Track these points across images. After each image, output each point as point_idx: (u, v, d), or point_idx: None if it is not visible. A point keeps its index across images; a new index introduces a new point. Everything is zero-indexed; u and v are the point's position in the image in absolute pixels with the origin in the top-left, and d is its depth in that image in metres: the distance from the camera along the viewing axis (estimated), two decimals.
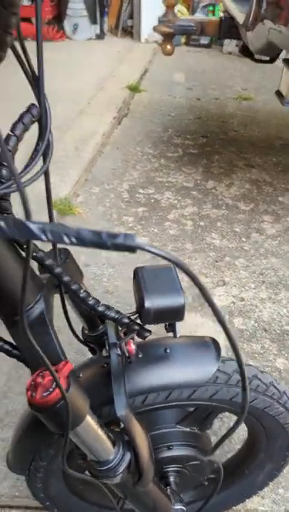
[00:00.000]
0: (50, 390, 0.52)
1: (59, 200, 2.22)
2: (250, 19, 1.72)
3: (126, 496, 0.73)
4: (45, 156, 0.53)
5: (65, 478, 0.87)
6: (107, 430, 0.63)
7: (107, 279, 1.78)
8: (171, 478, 0.85)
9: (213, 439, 0.92)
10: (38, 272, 0.64)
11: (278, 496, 1.15)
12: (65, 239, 0.31)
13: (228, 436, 0.63)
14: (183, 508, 0.83)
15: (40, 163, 0.52)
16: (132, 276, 1.75)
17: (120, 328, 0.71)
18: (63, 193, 2.32)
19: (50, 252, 0.67)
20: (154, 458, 0.73)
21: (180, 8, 5.34)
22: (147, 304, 0.60)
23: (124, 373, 0.66)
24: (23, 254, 0.59)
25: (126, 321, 0.64)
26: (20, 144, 0.51)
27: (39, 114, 0.52)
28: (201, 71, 4.82)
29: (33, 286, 0.58)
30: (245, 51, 2.16)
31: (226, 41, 5.31)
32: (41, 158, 0.52)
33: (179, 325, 0.67)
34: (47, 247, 0.62)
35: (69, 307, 0.77)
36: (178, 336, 0.69)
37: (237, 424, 0.59)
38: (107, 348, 0.69)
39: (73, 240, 0.31)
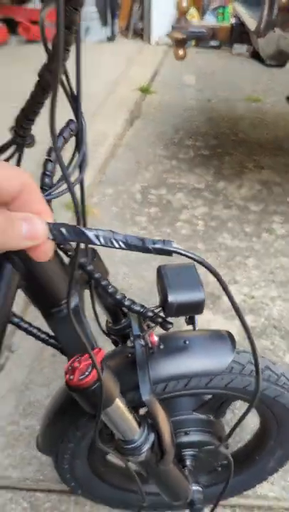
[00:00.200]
0: (86, 373, 0.59)
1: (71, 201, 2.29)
2: (262, 26, 1.77)
3: (149, 474, 0.79)
4: (81, 167, 0.60)
5: (89, 461, 0.94)
6: (133, 413, 0.70)
7: (122, 277, 1.85)
8: (188, 462, 0.92)
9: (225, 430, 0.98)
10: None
11: (287, 483, 1.21)
12: (115, 244, 0.36)
13: (242, 420, 0.68)
14: (199, 488, 0.89)
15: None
16: (145, 274, 1.84)
17: (143, 322, 0.78)
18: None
19: (82, 252, 0.73)
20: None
21: (191, 11, 5.39)
22: (171, 298, 0.66)
23: (148, 362, 0.73)
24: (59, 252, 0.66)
25: (150, 314, 0.71)
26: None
27: (76, 129, 0.59)
28: (211, 73, 4.87)
29: (67, 281, 0.65)
30: (256, 56, 2.21)
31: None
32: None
33: (198, 318, 0.74)
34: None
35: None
36: (196, 328, 0.76)
37: (250, 407, 0.65)
38: (131, 339, 0.76)
39: (121, 244, 0.36)
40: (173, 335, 0.80)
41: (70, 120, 0.58)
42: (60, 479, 1.01)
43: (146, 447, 0.70)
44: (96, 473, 0.98)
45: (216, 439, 0.92)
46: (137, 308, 0.71)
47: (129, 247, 0.36)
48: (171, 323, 0.71)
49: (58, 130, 0.59)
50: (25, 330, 0.68)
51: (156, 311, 0.71)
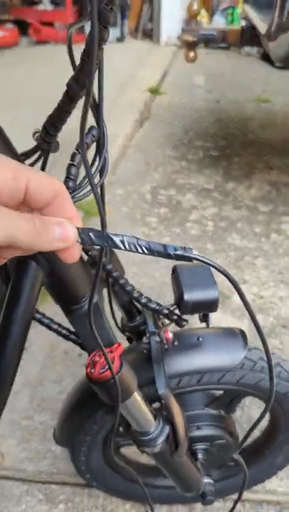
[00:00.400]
0: (107, 367, 0.62)
1: (85, 202, 2.33)
2: (272, 29, 1.79)
3: (163, 465, 0.82)
4: (102, 171, 0.63)
5: (104, 454, 0.98)
6: (149, 406, 0.73)
7: (132, 276, 1.88)
8: (200, 455, 0.95)
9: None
10: None
11: None
12: (139, 249, 0.38)
13: (259, 422, 0.69)
14: (211, 481, 0.92)
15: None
16: (154, 274, 1.87)
17: (159, 319, 0.81)
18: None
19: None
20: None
21: (201, 13, 5.41)
22: (186, 296, 0.69)
23: (163, 358, 0.76)
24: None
25: (165, 311, 0.74)
26: None
27: (98, 135, 0.62)
28: (220, 73, 4.89)
29: (88, 279, 0.68)
30: (266, 58, 2.23)
31: None
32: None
33: (212, 316, 0.77)
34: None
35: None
36: (210, 326, 0.79)
37: (266, 409, 0.67)
38: (147, 335, 0.79)
39: (144, 250, 0.38)
40: (187, 332, 0.83)
41: (92, 126, 0.61)
42: (74, 472, 1.05)
43: (161, 439, 0.73)
44: (110, 465, 1.02)
45: (227, 433, 0.95)
46: (153, 305, 0.74)
47: (152, 252, 0.38)
48: (186, 321, 0.74)
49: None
50: (47, 326, 0.72)
51: (171, 308, 0.74)
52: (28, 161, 0.63)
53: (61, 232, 0.36)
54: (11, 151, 0.52)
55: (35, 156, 0.63)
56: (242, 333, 0.84)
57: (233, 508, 0.92)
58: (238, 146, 3.19)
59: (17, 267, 0.60)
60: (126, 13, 5.94)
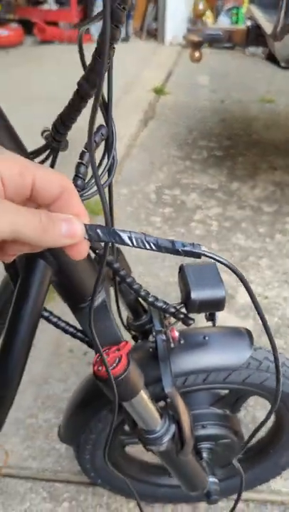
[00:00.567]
0: (114, 365, 0.62)
1: (91, 201, 2.33)
2: (278, 29, 1.79)
3: (168, 464, 0.83)
4: (110, 170, 0.63)
5: (109, 451, 0.98)
6: (155, 404, 0.73)
7: (137, 275, 1.89)
8: (205, 454, 0.95)
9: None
10: None
11: None
12: (146, 245, 0.38)
13: (265, 422, 0.69)
14: (216, 480, 0.92)
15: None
16: (159, 273, 1.86)
17: (165, 318, 0.82)
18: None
19: (109, 250, 0.77)
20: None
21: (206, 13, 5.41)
22: (193, 295, 0.69)
23: (169, 356, 0.76)
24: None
25: (172, 310, 0.74)
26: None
27: (107, 134, 0.62)
28: (225, 73, 4.89)
29: (95, 278, 0.68)
30: (272, 58, 2.24)
31: None
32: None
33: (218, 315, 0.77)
34: None
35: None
36: (216, 324, 0.79)
37: (271, 412, 0.66)
38: (153, 334, 0.79)
39: (152, 246, 0.38)
40: (193, 331, 0.83)
41: (101, 125, 0.61)
42: (78, 470, 1.05)
43: (167, 438, 0.74)
44: (115, 464, 1.02)
45: (232, 433, 0.95)
46: (160, 304, 0.74)
47: (160, 248, 0.38)
48: (192, 319, 0.74)
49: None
50: (54, 323, 0.72)
51: (178, 307, 0.74)
52: (37, 160, 0.64)
53: (68, 229, 0.36)
54: (20, 149, 0.53)
55: (45, 154, 0.63)
56: (248, 332, 0.84)
57: (233, 508, 0.91)
58: (242, 146, 3.19)
59: (26, 265, 0.61)
60: (131, 13, 5.94)
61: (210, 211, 2.43)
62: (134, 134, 3.22)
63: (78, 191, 0.60)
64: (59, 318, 0.72)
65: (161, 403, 0.79)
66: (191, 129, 3.44)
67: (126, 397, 0.66)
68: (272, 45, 1.91)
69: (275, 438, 1.02)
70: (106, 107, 0.61)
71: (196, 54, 2.23)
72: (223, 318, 1.72)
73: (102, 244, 0.70)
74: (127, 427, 0.95)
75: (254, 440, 1.16)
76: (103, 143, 0.62)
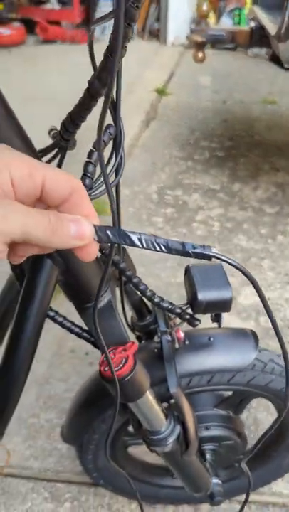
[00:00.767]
0: (120, 365, 0.62)
1: (96, 200, 2.33)
2: (283, 31, 1.79)
3: (173, 465, 0.82)
4: (118, 170, 0.63)
5: (112, 452, 0.97)
6: (161, 405, 0.73)
7: (140, 276, 1.88)
8: (208, 456, 0.95)
9: None
10: None
11: None
12: (156, 247, 0.37)
13: (273, 427, 0.68)
14: (219, 481, 0.92)
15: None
16: (160, 274, 1.87)
17: (169, 318, 0.81)
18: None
19: (115, 250, 0.76)
20: None
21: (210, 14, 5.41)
22: (200, 296, 0.69)
23: (174, 357, 0.76)
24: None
25: (178, 311, 0.74)
26: None
27: (115, 133, 0.62)
28: (227, 74, 4.89)
29: None
30: (275, 59, 2.23)
31: None
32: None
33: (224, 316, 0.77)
34: None
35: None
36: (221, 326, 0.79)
37: (279, 418, 0.66)
38: (158, 334, 0.79)
39: (163, 248, 0.37)
40: (198, 332, 0.83)
41: (109, 124, 0.61)
42: (80, 470, 1.05)
43: (172, 438, 0.73)
44: (117, 464, 1.01)
45: (236, 434, 0.95)
46: (166, 305, 0.74)
47: (170, 250, 0.37)
48: (199, 320, 0.74)
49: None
50: (60, 323, 0.71)
51: (184, 308, 0.74)
52: (45, 158, 0.63)
53: (77, 230, 0.35)
54: (30, 149, 0.52)
55: (53, 153, 0.63)
56: (253, 334, 0.83)
57: (242, 509, 0.91)
58: (245, 147, 3.18)
59: (32, 265, 0.60)
60: None
61: (212, 212, 2.43)
62: (136, 135, 3.22)
63: (86, 191, 0.60)
64: (64, 318, 0.71)
65: (164, 404, 0.79)
66: (193, 130, 3.44)
67: (132, 398, 0.65)
68: (277, 47, 1.91)
69: (279, 439, 1.02)
70: (114, 106, 0.60)
71: (200, 54, 2.22)
72: (225, 319, 1.71)
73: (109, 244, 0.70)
74: (130, 428, 0.95)
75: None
76: (110, 142, 0.62)
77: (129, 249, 0.42)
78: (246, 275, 0.42)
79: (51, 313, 0.70)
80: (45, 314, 0.64)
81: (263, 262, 2.06)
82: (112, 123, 0.62)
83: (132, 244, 0.37)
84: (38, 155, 0.57)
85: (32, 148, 0.54)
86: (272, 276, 1.97)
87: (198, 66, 4.81)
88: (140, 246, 0.37)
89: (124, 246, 0.87)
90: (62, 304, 0.75)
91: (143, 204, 2.48)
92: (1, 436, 0.70)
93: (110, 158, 0.64)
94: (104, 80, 0.49)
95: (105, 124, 0.63)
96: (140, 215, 2.38)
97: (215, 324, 0.81)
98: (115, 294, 0.73)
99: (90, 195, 0.61)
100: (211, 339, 0.81)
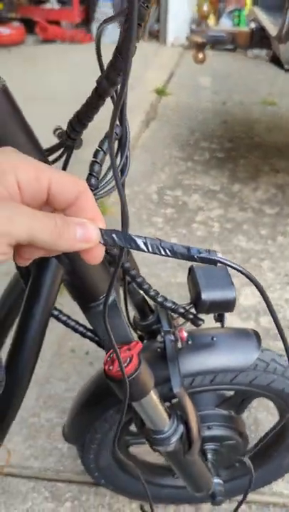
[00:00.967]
0: (125, 364, 0.62)
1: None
2: (283, 32, 1.80)
3: (175, 464, 0.82)
4: (123, 170, 0.63)
5: (113, 452, 0.98)
6: (164, 405, 0.73)
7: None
8: (210, 455, 0.95)
9: None
10: None
11: None
12: (162, 251, 0.37)
13: (275, 430, 0.69)
14: (221, 481, 0.92)
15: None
16: (162, 274, 1.87)
17: (172, 318, 0.82)
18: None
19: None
20: None
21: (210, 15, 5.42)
22: (204, 296, 0.69)
23: (177, 356, 0.76)
24: None
25: (181, 310, 0.74)
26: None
27: (120, 133, 0.62)
28: (226, 75, 4.90)
29: (106, 278, 0.68)
30: (275, 60, 2.24)
31: None
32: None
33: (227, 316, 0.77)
34: None
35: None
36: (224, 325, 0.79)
37: (281, 420, 0.66)
38: (161, 334, 0.79)
39: (168, 252, 0.37)
40: (201, 331, 0.83)
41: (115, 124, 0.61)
42: (80, 470, 1.05)
43: (175, 438, 0.73)
44: (119, 464, 1.02)
45: (237, 434, 0.95)
46: (169, 304, 0.74)
47: (175, 254, 0.37)
48: (202, 320, 0.74)
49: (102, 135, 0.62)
50: (64, 322, 0.71)
51: (187, 307, 0.74)
52: (50, 158, 0.64)
53: (83, 233, 0.35)
54: (38, 151, 0.52)
55: (59, 152, 0.63)
56: (256, 334, 0.84)
57: (237, 509, 0.91)
58: (244, 149, 3.19)
59: (38, 264, 0.60)
60: None
61: (212, 212, 2.43)
62: (135, 135, 3.22)
63: (92, 190, 0.60)
64: (68, 317, 0.71)
65: (167, 403, 0.79)
66: (193, 130, 3.45)
67: (136, 397, 0.66)
68: (277, 48, 1.92)
69: (280, 439, 1.02)
70: (120, 107, 0.60)
71: (200, 55, 2.23)
72: (229, 319, 1.72)
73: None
74: (132, 427, 0.95)
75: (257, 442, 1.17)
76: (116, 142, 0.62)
77: (133, 251, 0.42)
78: (251, 280, 0.42)
79: (55, 312, 0.70)
80: (49, 313, 0.64)
81: (262, 262, 2.06)
82: (117, 123, 0.62)
83: (138, 248, 0.37)
84: (44, 154, 0.57)
85: (39, 148, 0.54)
86: (272, 277, 1.97)
87: (198, 67, 4.81)
88: (146, 250, 0.37)
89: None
90: (68, 303, 0.75)
91: (143, 204, 2.48)
92: (4, 436, 0.70)
93: (116, 157, 0.64)
94: (112, 79, 0.49)
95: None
96: (140, 215, 2.38)
97: (218, 324, 0.82)
98: (119, 294, 0.73)
99: (95, 194, 0.61)
100: (214, 339, 0.82)
